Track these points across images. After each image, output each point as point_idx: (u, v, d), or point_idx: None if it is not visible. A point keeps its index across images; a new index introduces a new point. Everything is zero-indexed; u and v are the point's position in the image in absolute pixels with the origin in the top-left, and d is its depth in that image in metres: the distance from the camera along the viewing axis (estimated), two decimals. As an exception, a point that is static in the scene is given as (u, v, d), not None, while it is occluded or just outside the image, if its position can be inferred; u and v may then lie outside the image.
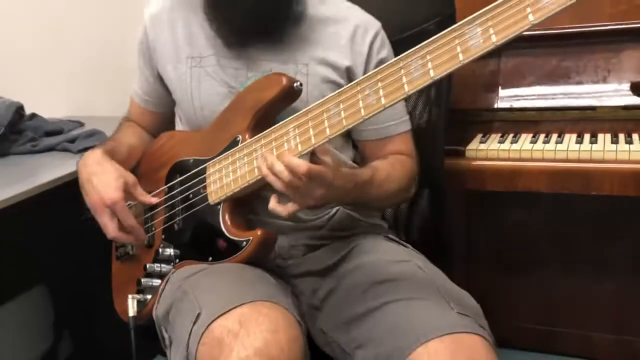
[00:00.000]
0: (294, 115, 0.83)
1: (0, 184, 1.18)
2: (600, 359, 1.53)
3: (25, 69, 1.74)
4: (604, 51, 1.26)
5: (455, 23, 1.16)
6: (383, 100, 0.74)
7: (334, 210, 0.99)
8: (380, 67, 0.75)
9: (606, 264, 1.49)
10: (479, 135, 1.29)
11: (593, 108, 1.25)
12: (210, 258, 0.93)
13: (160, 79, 1.06)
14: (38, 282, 1.65)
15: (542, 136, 1.24)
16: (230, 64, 0.99)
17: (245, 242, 0.89)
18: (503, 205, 1.53)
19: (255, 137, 0.88)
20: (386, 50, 1.03)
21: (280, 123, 0.85)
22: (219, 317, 0.77)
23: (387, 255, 0.95)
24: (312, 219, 0.99)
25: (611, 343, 1.51)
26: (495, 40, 0.64)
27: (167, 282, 0.95)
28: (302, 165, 0.77)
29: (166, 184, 1.02)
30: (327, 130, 0.79)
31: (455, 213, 1.55)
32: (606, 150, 1.14)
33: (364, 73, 0.95)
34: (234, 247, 0.91)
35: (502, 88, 1.33)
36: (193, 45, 1.02)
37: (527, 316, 1.60)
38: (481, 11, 0.65)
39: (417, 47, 0.71)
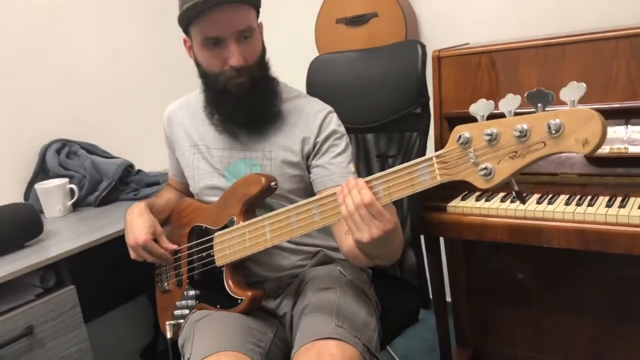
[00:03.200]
0: (270, 214, 1.11)
1: (112, 221, 1.66)
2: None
3: (138, 134, 2.25)
4: (565, 127, 1.50)
5: (429, 109, 1.51)
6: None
7: (317, 250, 1.32)
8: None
9: (582, 302, 1.67)
10: (463, 194, 1.58)
11: (555, 174, 1.50)
12: (219, 306, 1.23)
13: (178, 161, 1.42)
14: (141, 293, 2.13)
15: (511, 196, 1.50)
16: (216, 153, 1.31)
17: (240, 300, 1.19)
18: (498, 250, 1.79)
19: (244, 223, 1.16)
20: (333, 125, 1.28)
21: (260, 217, 1.13)
22: None
23: (322, 284, 1.23)
24: (297, 262, 1.30)
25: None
26: (393, 197, 0.95)
27: (187, 320, 1.27)
28: (368, 197, 0.92)
29: (188, 242, 1.32)
30: (294, 231, 1.07)
31: (456, 257, 1.84)
32: (555, 211, 1.38)
33: (315, 141, 1.26)
34: (233, 301, 1.20)
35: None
36: (193, 137, 1.35)
37: (520, 344, 1.82)
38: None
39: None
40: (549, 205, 1.41)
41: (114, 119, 2.17)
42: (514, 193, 0.88)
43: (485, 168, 0.82)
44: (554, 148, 0.76)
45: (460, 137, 0.85)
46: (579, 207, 1.37)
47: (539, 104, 0.80)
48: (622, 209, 1.32)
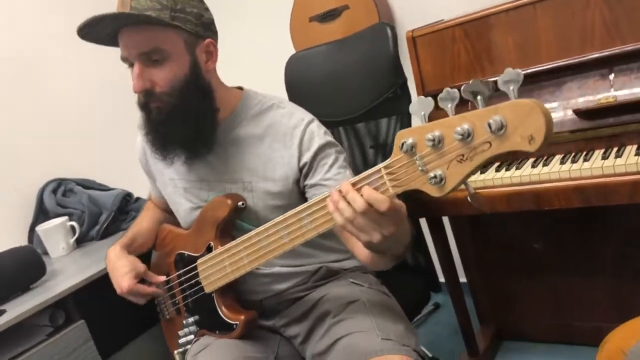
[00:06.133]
0: (242, 238, 1.07)
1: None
2: (614, 347, 1.67)
3: (132, 162, 2.23)
4: (548, 86, 1.46)
5: (408, 90, 1.49)
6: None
7: (318, 266, 1.25)
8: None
9: (595, 261, 1.64)
10: (458, 169, 1.55)
11: (547, 135, 1.46)
12: (217, 332, 1.21)
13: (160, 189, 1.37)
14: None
15: (505, 163, 1.47)
16: (194, 186, 1.24)
17: (235, 325, 1.17)
18: (504, 221, 1.76)
19: (221, 249, 1.13)
20: (316, 138, 1.15)
21: (234, 242, 1.09)
22: None
23: (344, 298, 1.18)
24: (296, 283, 1.23)
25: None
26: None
27: (189, 350, 1.25)
28: (384, 201, 0.81)
29: (175, 270, 1.29)
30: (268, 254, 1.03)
31: (463, 235, 1.81)
32: (551, 172, 1.35)
33: (300, 165, 1.15)
34: (229, 327, 1.18)
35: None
36: (169, 170, 1.27)
37: (540, 313, 1.78)
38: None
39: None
40: (544, 167, 1.38)
41: (106, 151, 2.19)
42: (468, 198, 0.81)
43: (435, 176, 0.75)
44: (500, 148, 0.69)
45: (403, 144, 0.78)
46: (574, 164, 1.34)
47: (479, 97, 0.74)
48: (618, 159, 1.28)
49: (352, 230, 0.87)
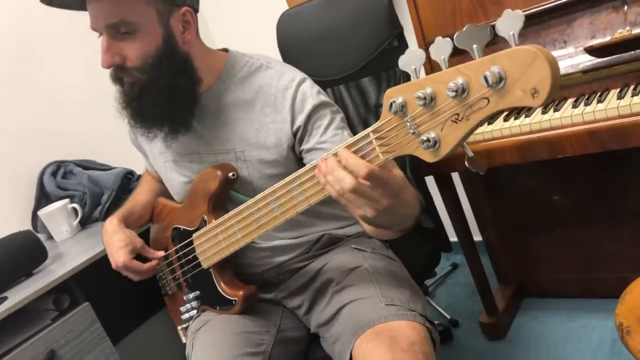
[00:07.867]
0: (234, 211, 1.02)
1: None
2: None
3: None
4: (557, 25, 1.36)
5: (405, 39, 1.40)
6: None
7: (319, 235, 1.19)
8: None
9: (618, 210, 1.54)
10: (464, 122, 1.46)
11: (558, 77, 1.36)
12: (218, 307, 1.18)
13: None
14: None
15: (515, 112, 1.38)
16: (185, 159, 1.19)
17: (234, 301, 1.14)
18: (518, 174, 1.66)
19: (215, 222, 1.09)
20: (309, 99, 1.08)
21: (226, 215, 1.05)
22: None
23: (346, 265, 1.14)
24: (298, 253, 1.19)
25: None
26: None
27: (190, 327, 1.22)
28: (363, 167, 0.73)
29: (173, 245, 1.25)
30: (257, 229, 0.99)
31: (475, 191, 1.72)
32: (562, 117, 1.25)
33: (294, 129, 1.08)
34: (228, 303, 1.15)
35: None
36: (158, 143, 1.21)
37: (563, 268, 1.70)
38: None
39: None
40: (556, 113, 1.28)
41: (105, 130, 2.13)
42: (466, 163, 0.71)
43: (427, 140, 0.67)
44: (499, 104, 0.60)
45: (391, 104, 0.69)
46: (587, 107, 1.25)
47: (474, 45, 0.63)
48: (635, 97, 1.18)
49: (345, 204, 0.79)
